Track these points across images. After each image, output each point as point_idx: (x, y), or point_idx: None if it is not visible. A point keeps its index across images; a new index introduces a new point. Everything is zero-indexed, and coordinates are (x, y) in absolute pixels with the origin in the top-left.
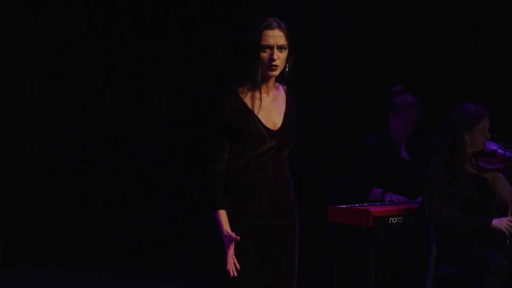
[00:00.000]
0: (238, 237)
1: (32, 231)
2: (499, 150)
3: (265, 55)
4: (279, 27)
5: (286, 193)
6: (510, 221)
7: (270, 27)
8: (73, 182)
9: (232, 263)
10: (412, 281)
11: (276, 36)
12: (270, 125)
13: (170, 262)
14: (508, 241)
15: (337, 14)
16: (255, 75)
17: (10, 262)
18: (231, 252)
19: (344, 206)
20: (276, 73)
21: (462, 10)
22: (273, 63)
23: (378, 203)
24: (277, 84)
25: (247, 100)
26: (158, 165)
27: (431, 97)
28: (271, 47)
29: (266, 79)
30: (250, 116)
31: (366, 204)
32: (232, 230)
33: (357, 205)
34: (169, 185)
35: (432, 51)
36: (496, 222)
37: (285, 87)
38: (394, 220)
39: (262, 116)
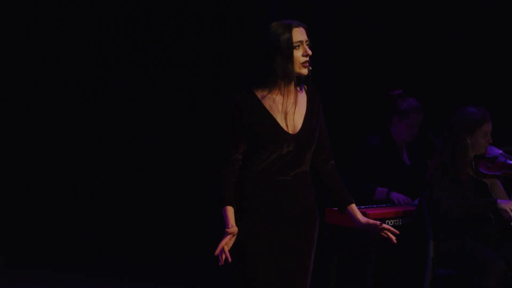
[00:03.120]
0: (236, 228)
1: (31, 231)
2: (500, 157)
3: (298, 52)
4: (301, 26)
5: (305, 200)
6: None
7: (295, 26)
8: (73, 182)
9: (221, 249)
10: (410, 282)
11: (303, 33)
12: (290, 128)
13: (171, 262)
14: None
15: (330, 13)
16: (290, 74)
17: (10, 263)
18: (226, 239)
19: None
20: (307, 70)
21: (460, 9)
22: (307, 59)
23: (375, 205)
24: (298, 87)
25: (266, 102)
26: (160, 165)
27: (427, 98)
28: (302, 42)
29: (293, 79)
30: (267, 118)
31: (363, 207)
32: (246, 233)
33: None
34: (171, 184)
35: (426, 52)
36: (501, 202)
37: (306, 87)
38: (391, 222)
39: (281, 118)
